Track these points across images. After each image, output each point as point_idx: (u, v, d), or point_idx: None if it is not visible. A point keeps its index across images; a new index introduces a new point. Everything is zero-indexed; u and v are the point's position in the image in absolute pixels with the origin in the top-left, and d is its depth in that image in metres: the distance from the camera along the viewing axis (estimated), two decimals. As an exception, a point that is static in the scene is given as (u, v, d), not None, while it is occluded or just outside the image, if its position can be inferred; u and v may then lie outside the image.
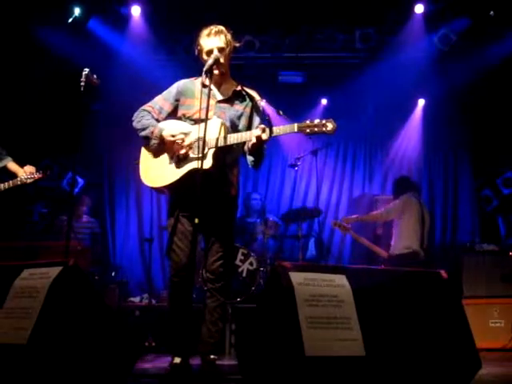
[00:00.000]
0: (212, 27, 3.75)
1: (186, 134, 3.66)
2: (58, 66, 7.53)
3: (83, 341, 2.71)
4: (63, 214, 7.42)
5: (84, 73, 4.18)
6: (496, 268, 6.31)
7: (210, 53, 3.70)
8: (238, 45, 3.90)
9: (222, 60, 3.69)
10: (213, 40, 3.71)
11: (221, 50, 3.70)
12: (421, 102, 8.91)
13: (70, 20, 7.42)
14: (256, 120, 3.84)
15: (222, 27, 3.77)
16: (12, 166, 5.32)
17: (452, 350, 2.87)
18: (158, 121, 3.81)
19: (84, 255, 6.31)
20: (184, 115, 3.80)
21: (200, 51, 3.78)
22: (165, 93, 3.91)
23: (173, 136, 3.65)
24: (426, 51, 7.95)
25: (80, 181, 8.68)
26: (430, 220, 6.94)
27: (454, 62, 7.90)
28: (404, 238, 6.49)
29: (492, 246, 6.82)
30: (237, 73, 3.97)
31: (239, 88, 3.87)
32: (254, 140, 3.53)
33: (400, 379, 2.69)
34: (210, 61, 3.60)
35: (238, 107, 3.83)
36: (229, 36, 3.77)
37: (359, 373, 2.58)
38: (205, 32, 3.75)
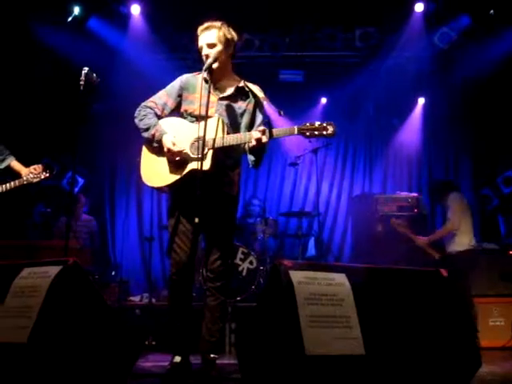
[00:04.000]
0: (207, 23, 3.72)
1: (180, 152, 3.62)
2: (58, 65, 7.53)
3: (83, 340, 2.71)
4: (63, 216, 7.42)
5: (84, 72, 4.17)
6: (496, 267, 6.31)
7: (201, 49, 3.70)
8: (238, 37, 3.84)
9: (212, 56, 3.63)
10: (202, 37, 3.70)
11: (211, 45, 3.66)
12: (421, 101, 8.91)
13: (70, 19, 7.43)
14: (259, 117, 3.81)
15: (214, 22, 3.71)
16: (15, 165, 5.31)
17: (452, 348, 2.87)
18: (161, 117, 3.78)
19: (83, 254, 6.30)
20: (186, 111, 3.77)
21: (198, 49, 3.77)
22: (168, 88, 3.88)
23: (170, 148, 3.62)
24: (426, 50, 7.96)
25: (80, 180, 8.69)
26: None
27: (453, 60, 7.90)
28: (466, 234, 6.44)
29: (492, 244, 6.82)
30: (236, 71, 3.95)
31: (242, 84, 3.85)
32: (253, 142, 3.53)
33: (400, 378, 2.69)
34: (210, 60, 3.60)
35: (241, 104, 3.80)
36: (223, 30, 3.70)
37: (359, 371, 2.57)
38: (199, 30, 3.74)
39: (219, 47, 3.69)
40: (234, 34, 3.78)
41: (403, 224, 6.91)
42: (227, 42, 3.73)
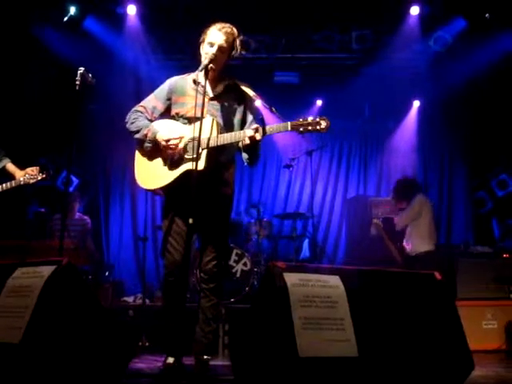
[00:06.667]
0: (227, 25, 3.69)
1: (179, 139, 3.63)
2: (54, 65, 7.52)
3: (77, 340, 2.70)
4: (58, 213, 7.41)
5: (79, 72, 4.16)
6: (490, 270, 6.31)
7: (211, 44, 3.64)
8: (244, 52, 3.83)
9: (216, 57, 3.62)
10: (217, 36, 3.64)
11: (221, 48, 3.64)
12: (416, 104, 8.93)
13: (66, 19, 7.42)
14: (250, 115, 3.82)
15: (234, 29, 3.71)
16: (10, 167, 5.30)
17: (445, 351, 2.87)
18: (151, 121, 3.78)
19: (77, 254, 6.29)
20: (177, 114, 3.77)
21: (203, 40, 3.71)
22: (157, 91, 3.88)
23: (166, 141, 3.62)
24: (421, 53, 7.98)
25: (74, 180, 8.67)
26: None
27: (449, 63, 7.92)
28: (429, 237, 6.59)
29: (486, 248, 6.84)
30: (232, 73, 3.95)
31: (231, 82, 3.84)
32: (247, 141, 3.52)
33: (393, 380, 2.69)
34: (206, 61, 3.59)
35: (231, 103, 3.80)
36: (236, 40, 3.71)
37: (352, 374, 2.57)
38: (217, 25, 3.68)
39: (225, 54, 3.69)
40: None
41: (381, 226, 7.01)
42: (234, 51, 3.74)
